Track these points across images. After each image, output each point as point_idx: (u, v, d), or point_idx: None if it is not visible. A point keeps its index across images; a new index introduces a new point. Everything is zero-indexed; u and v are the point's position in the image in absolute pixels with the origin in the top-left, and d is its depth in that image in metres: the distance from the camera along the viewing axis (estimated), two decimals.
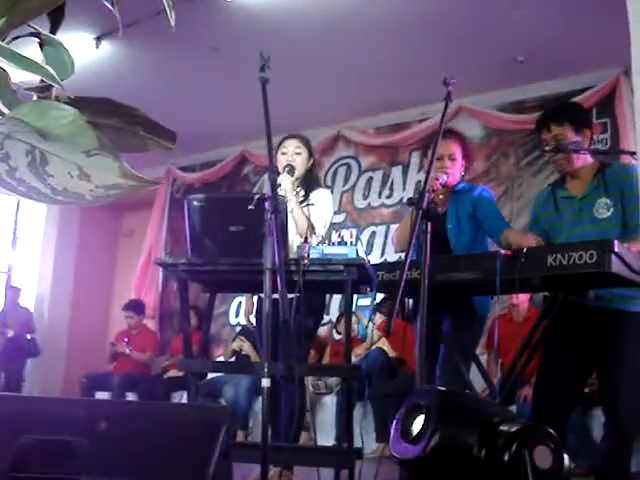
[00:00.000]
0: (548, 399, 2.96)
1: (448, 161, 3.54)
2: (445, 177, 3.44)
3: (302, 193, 3.77)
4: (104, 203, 0.77)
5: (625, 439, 2.84)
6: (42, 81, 0.99)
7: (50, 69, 0.93)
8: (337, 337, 6.51)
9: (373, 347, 5.89)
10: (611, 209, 2.92)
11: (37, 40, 1.04)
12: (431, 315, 2.71)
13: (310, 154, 3.84)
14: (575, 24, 5.35)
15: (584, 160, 3.04)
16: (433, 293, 2.55)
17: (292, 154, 3.74)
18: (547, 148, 3.11)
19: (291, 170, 3.64)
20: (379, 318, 5.83)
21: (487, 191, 3.72)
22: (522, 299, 5.42)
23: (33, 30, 1.03)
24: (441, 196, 3.73)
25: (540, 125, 3.07)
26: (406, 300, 3.11)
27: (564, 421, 2.92)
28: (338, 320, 6.50)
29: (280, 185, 3.62)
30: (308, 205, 3.69)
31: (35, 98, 1.02)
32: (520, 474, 1.83)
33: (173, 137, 1.14)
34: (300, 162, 3.75)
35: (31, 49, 1.03)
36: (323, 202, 3.77)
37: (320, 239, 3.60)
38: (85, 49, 5.78)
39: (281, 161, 3.73)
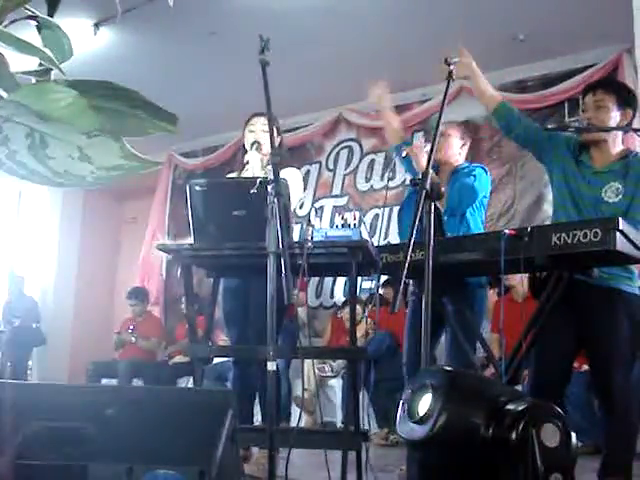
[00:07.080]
0: (546, 378, 2.92)
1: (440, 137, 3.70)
2: (423, 141, 3.74)
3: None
4: (106, 185, 0.76)
5: (625, 418, 2.82)
6: (40, 64, 0.98)
7: (49, 52, 0.92)
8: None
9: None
10: (619, 196, 2.86)
11: (34, 23, 1.03)
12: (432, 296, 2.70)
13: (278, 132, 3.81)
14: (576, 1, 5.30)
15: (614, 137, 2.98)
16: (436, 275, 2.53)
17: (259, 131, 3.78)
18: (549, 127, 3.09)
19: (258, 147, 3.71)
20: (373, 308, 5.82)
21: (480, 168, 3.74)
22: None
23: (30, 13, 1.02)
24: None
25: (587, 90, 3.05)
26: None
27: (562, 400, 2.89)
28: (343, 305, 6.46)
29: (248, 163, 3.66)
30: None
31: (33, 82, 1.01)
32: (527, 452, 1.83)
33: (174, 120, 1.13)
34: (267, 140, 3.72)
35: (28, 33, 1.02)
36: (292, 181, 3.65)
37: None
38: (84, 35, 5.75)
39: (248, 138, 3.80)
